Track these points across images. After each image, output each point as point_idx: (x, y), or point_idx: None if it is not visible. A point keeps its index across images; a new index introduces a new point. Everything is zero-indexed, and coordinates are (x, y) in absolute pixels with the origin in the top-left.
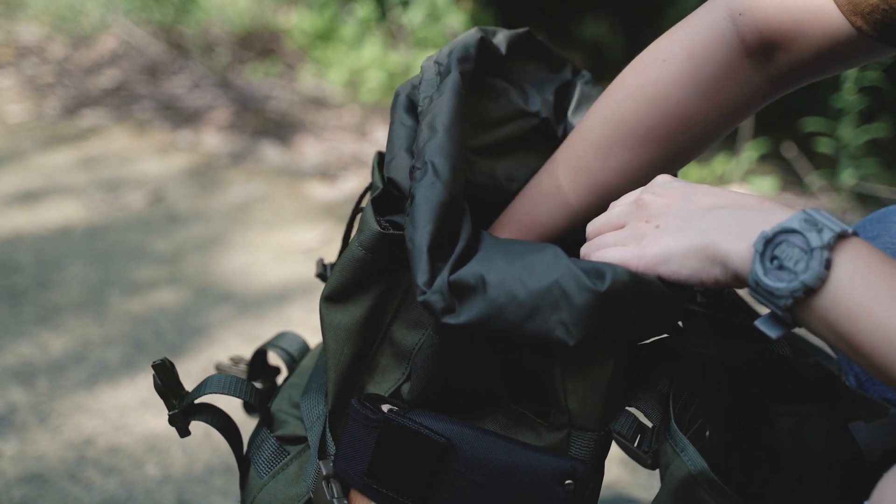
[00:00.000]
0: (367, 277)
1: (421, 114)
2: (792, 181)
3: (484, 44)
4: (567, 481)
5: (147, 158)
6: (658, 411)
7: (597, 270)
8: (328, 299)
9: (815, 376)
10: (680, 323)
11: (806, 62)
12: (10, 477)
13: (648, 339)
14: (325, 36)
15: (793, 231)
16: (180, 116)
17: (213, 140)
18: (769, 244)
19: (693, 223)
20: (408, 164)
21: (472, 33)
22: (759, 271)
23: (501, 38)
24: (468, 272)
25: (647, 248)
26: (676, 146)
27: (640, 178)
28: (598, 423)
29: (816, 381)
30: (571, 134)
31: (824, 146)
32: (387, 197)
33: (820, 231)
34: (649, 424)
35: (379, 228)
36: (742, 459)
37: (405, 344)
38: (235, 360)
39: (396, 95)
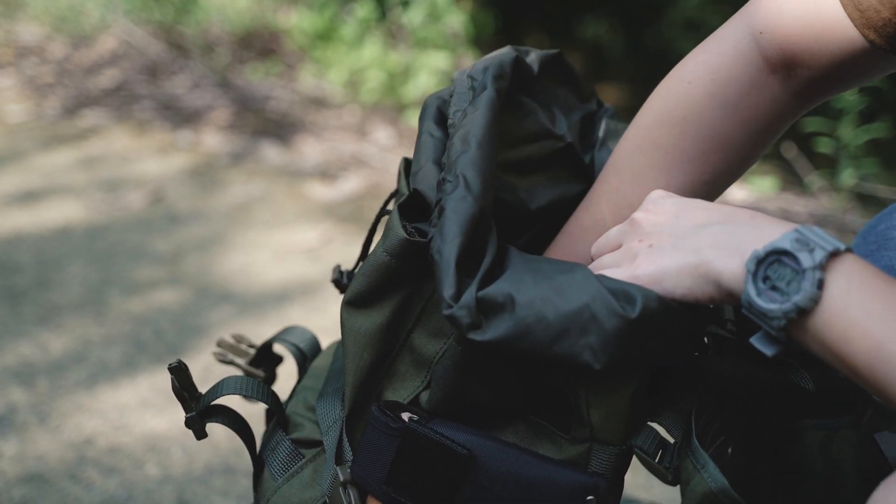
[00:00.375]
0: (390, 283)
1: (452, 126)
2: (792, 181)
3: (518, 63)
4: (589, 497)
5: (147, 158)
6: (680, 427)
7: (627, 294)
8: (350, 304)
9: (842, 388)
10: (706, 340)
11: (826, 76)
12: (10, 477)
13: (670, 364)
14: (325, 36)
15: (784, 252)
16: (180, 116)
17: (213, 140)
18: (761, 264)
19: (686, 241)
20: (434, 176)
21: (507, 51)
22: (752, 292)
23: (534, 57)
24: (497, 290)
25: (641, 267)
26: (711, 167)
27: None
28: (620, 437)
29: (843, 393)
30: (606, 166)
31: (824, 146)
32: (412, 204)
33: (812, 251)
34: (671, 440)
35: (405, 235)
36: (769, 474)
37: (426, 352)
38: (238, 338)
39: (426, 106)
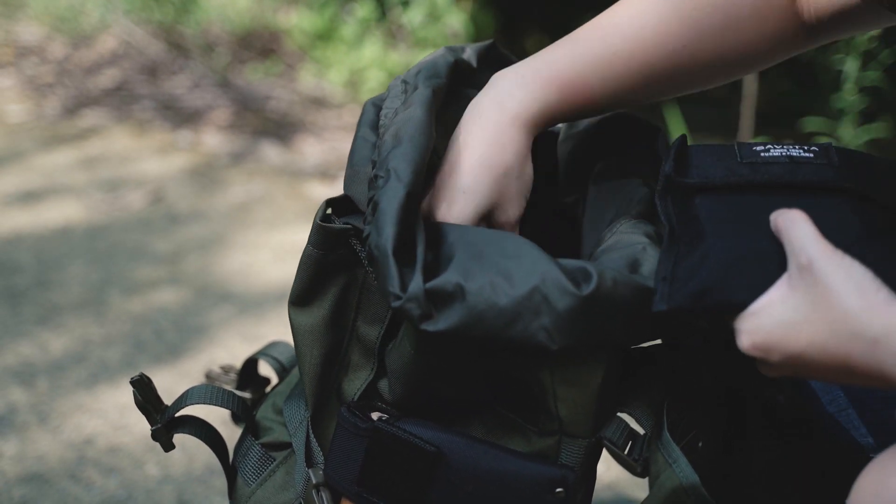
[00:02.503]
0: (322, 275)
1: (382, 127)
2: None
3: (454, 62)
4: (558, 489)
5: (147, 158)
6: (650, 418)
7: (584, 271)
8: (293, 303)
9: (788, 411)
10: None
11: (830, 18)
12: (10, 477)
13: (639, 343)
14: (325, 36)
15: None
16: (180, 116)
17: (213, 140)
18: None
19: None
20: (366, 178)
21: (441, 52)
22: None
23: (470, 52)
24: (445, 280)
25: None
26: (686, 57)
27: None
28: (589, 429)
29: (793, 419)
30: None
31: None
32: (348, 199)
33: None
34: (641, 431)
35: (320, 222)
36: (726, 480)
37: (369, 338)
38: (226, 369)
39: (363, 111)
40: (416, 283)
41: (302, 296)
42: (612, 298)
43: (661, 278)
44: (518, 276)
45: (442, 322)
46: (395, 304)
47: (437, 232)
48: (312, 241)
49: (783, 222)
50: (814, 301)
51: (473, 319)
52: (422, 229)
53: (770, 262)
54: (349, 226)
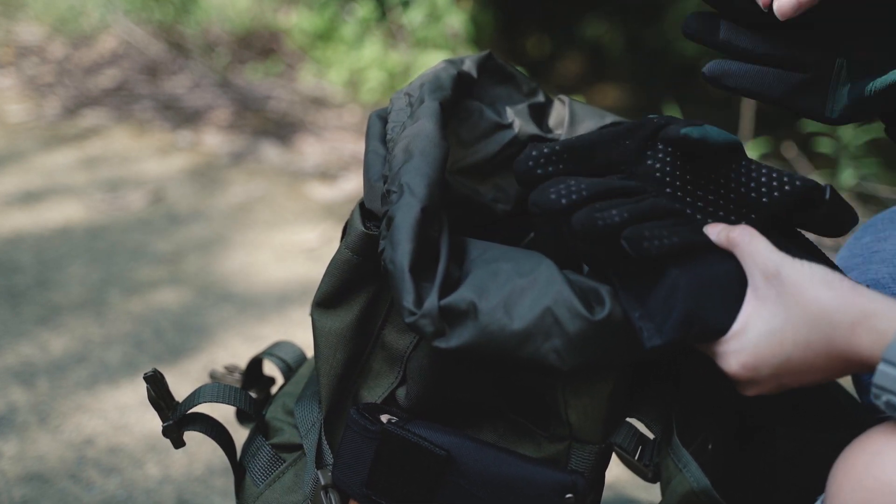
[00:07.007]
0: (356, 281)
1: (391, 141)
2: None
3: (456, 74)
4: (568, 495)
5: (147, 158)
6: (660, 423)
7: (597, 294)
8: (319, 305)
9: (821, 405)
10: None
11: None
12: (10, 477)
13: (649, 360)
14: (325, 36)
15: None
16: (180, 116)
17: (213, 140)
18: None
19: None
20: (381, 193)
21: (442, 65)
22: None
23: (470, 63)
24: (459, 298)
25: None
26: None
27: None
28: (599, 435)
29: (822, 410)
30: None
31: (824, 146)
32: None
33: None
34: (650, 436)
35: (364, 229)
36: (740, 474)
37: (398, 347)
38: (230, 369)
39: (370, 125)
40: (432, 301)
41: (330, 298)
42: (623, 323)
43: (639, 316)
44: (531, 296)
45: (454, 340)
46: (409, 319)
47: (459, 246)
48: (350, 245)
49: (738, 237)
50: (787, 304)
51: (485, 339)
52: (447, 244)
53: (735, 283)
54: None
